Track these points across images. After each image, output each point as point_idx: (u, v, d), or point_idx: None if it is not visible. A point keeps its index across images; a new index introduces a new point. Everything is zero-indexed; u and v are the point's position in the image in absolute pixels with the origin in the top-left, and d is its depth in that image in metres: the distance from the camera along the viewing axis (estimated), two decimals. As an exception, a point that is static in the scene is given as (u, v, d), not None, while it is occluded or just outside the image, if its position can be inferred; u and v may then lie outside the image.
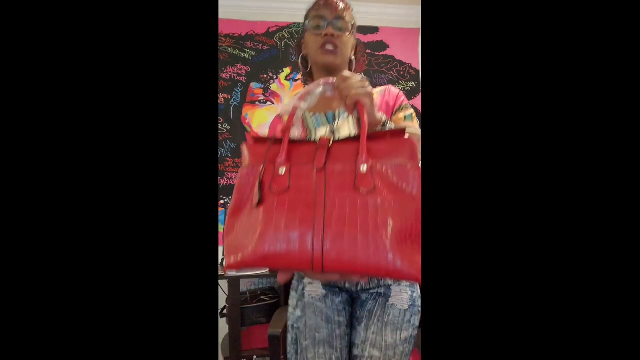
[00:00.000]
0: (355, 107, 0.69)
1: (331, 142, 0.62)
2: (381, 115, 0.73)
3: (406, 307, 0.89)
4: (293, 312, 0.94)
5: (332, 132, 0.96)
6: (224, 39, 2.45)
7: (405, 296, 0.87)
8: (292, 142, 0.65)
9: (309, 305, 0.91)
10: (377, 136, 0.61)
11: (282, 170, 0.59)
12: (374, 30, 2.60)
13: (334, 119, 0.99)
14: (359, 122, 0.67)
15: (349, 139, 0.62)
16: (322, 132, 0.97)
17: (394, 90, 1.02)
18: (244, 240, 0.56)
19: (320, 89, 0.70)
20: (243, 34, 2.48)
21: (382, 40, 2.59)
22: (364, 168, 0.55)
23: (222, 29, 2.47)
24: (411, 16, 2.55)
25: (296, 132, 0.82)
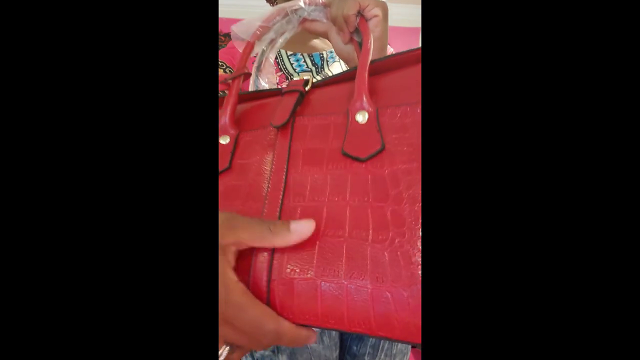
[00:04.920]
0: (357, 26, 0.42)
1: (309, 84, 0.38)
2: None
3: None
4: (272, 356, 0.58)
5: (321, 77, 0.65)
6: (223, 38, 2.44)
7: None
8: (251, 95, 0.43)
9: (300, 350, 0.57)
10: (387, 65, 0.36)
11: (225, 140, 0.37)
12: (374, 29, 2.59)
13: (323, 62, 0.67)
14: (359, 46, 0.41)
15: (339, 78, 0.38)
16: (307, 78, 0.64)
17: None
18: None
19: (300, 10, 0.42)
20: (243, 33, 2.47)
21: (382, 40, 2.59)
22: (362, 117, 0.31)
23: (222, 28, 2.46)
24: (411, 15, 2.55)
25: (264, 82, 0.50)
